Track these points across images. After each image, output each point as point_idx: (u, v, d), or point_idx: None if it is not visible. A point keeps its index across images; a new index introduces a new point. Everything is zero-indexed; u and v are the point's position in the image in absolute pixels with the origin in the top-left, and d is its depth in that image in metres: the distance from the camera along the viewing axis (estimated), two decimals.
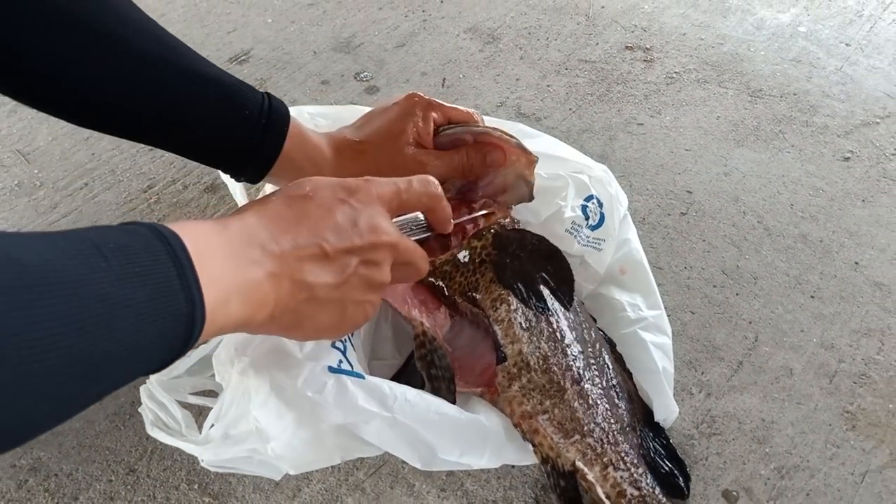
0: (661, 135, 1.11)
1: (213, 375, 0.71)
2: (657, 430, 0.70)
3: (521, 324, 0.68)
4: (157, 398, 0.64)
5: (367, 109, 0.89)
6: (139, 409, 0.64)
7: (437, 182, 0.63)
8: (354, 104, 0.93)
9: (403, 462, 0.71)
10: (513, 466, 0.71)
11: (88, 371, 0.37)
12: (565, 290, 0.73)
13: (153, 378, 0.64)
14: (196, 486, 0.71)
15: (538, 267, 0.72)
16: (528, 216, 0.81)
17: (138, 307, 0.39)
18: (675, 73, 1.24)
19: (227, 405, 0.62)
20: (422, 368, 0.67)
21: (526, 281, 0.71)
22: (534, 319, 0.69)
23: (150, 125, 0.65)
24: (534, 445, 0.65)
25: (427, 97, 0.76)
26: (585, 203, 0.79)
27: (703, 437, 0.73)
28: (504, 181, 0.77)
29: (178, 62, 0.63)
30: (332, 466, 0.71)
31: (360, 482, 0.70)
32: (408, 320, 0.69)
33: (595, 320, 0.76)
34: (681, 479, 0.68)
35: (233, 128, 0.67)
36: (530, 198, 0.77)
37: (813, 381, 0.78)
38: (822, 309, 0.85)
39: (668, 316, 0.76)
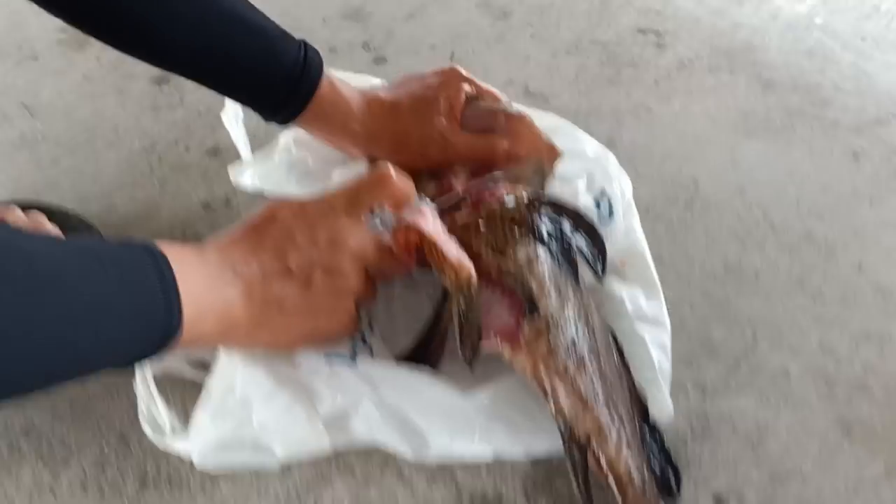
0: (670, 122, 1.10)
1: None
2: (652, 427, 0.70)
3: (554, 283, 0.68)
4: (149, 390, 0.63)
5: (376, 80, 0.88)
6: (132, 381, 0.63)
7: (389, 173, 0.67)
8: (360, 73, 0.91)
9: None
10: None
11: (72, 355, 0.44)
12: (599, 264, 0.74)
13: None
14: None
15: (574, 236, 0.73)
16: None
17: (122, 309, 0.46)
18: (687, 59, 1.22)
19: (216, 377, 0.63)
20: (456, 322, 0.65)
21: (562, 248, 0.71)
22: (562, 285, 0.69)
23: (196, 61, 0.73)
24: (555, 406, 0.64)
25: (465, 72, 0.82)
26: (599, 199, 0.78)
27: (696, 438, 0.73)
28: (520, 173, 0.76)
29: (230, 9, 0.72)
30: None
31: (350, 465, 0.70)
32: (447, 263, 0.64)
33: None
34: (673, 479, 0.67)
35: (270, 72, 0.74)
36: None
37: (810, 385, 0.77)
38: (823, 311, 0.84)
39: (667, 309, 0.75)
